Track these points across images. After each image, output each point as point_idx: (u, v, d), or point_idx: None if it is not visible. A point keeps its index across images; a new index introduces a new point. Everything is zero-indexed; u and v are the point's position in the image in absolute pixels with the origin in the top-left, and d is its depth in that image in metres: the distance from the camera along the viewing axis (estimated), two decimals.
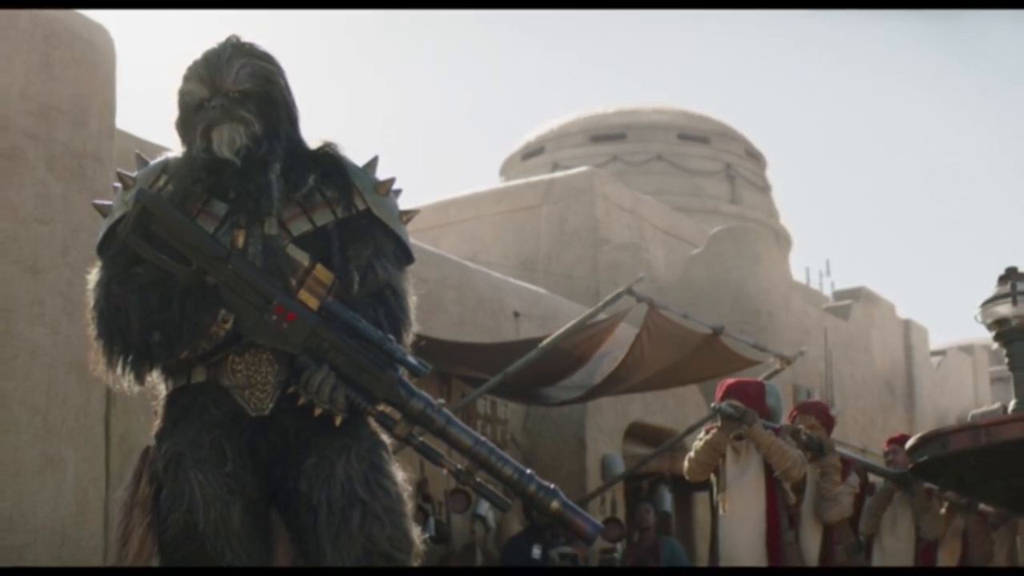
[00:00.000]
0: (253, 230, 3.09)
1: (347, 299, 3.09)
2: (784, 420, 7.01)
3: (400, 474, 3.15)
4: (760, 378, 7.97)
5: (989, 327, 7.13)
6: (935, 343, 20.97)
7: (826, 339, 16.29)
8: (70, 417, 7.10)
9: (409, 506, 3.14)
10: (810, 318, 16.42)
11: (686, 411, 12.43)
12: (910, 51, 75.08)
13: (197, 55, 3.18)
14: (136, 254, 3.05)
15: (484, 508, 9.90)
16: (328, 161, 3.22)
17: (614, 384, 10.35)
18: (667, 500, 12.03)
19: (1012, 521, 9.02)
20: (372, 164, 3.29)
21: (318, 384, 2.98)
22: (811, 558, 6.80)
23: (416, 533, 3.12)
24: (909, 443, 7.08)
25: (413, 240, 3.38)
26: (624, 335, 10.11)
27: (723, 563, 6.52)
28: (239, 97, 3.13)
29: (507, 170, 22.14)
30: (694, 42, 73.84)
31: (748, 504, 6.51)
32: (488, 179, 23.19)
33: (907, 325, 19.53)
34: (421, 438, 3.05)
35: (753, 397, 6.61)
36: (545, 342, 9.28)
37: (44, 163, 7.17)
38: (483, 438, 3.05)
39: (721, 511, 6.57)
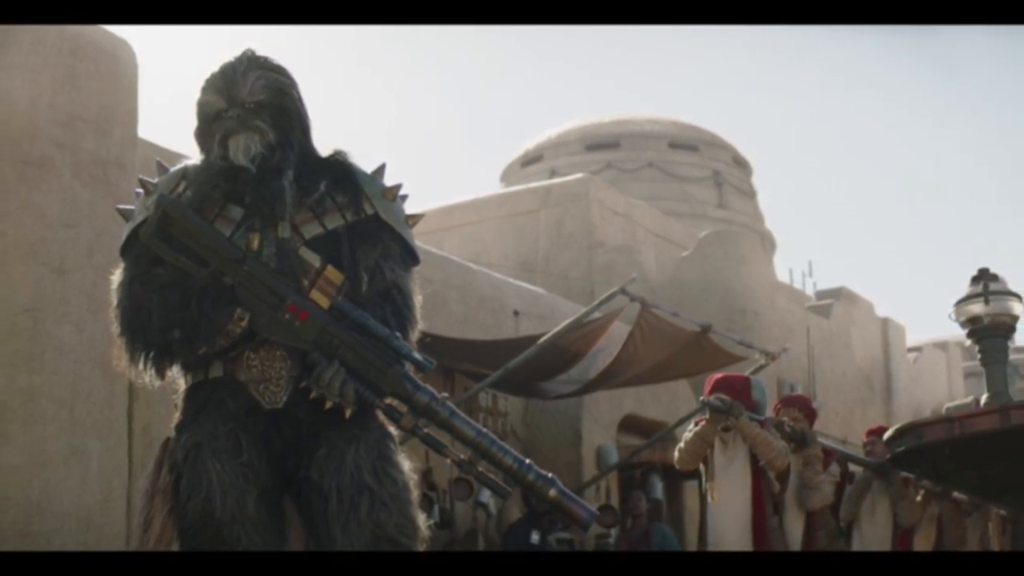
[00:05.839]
0: (267, 233, 3.09)
1: (356, 299, 3.09)
2: (769, 413, 7.01)
3: (406, 464, 3.15)
4: (746, 373, 7.97)
5: (963, 325, 7.15)
6: (911, 340, 20.97)
7: (808, 336, 16.28)
8: (95, 410, 7.10)
9: (415, 494, 3.13)
10: (793, 316, 16.41)
11: (677, 404, 12.42)
12: (888, 63, 75.09)
13: (215, 68, 3.18)
14: (157, 256, 3.05)
15: (486, 496, 9.89)
16: (338, 168, 3.22)
17: (609, 379, 10.34)
18: (658, 488, 12.02)
19: (984, 508, 9.04)
20: (380, 171, 3.29)
21: (329, 379, 2.98)
22: (794, 543, 6.80)
23: (421, 520, 3.12)
24: (887, 434, 7.09)
25: (418, 243, 3.38)
26: (618, 332, 10.10)
27: (711, 548, 6.52)
28: (254, 108, 3.13)
29: (507, 177, 22.11)
30: (685, 56, 73.83)
31: (735, 492, 6.50)
32: (489, 185, 23.12)
33: (885, 323, 19.52)
34: (426, 430, 3.05)
35: (739, 391, 6.61)
36: (543, 339, 9.28)
37: (70, 170, 7.17)
38: (485, 430, 3.04)
39: (709, 499, 6.57)
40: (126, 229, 3.19)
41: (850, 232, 68.45)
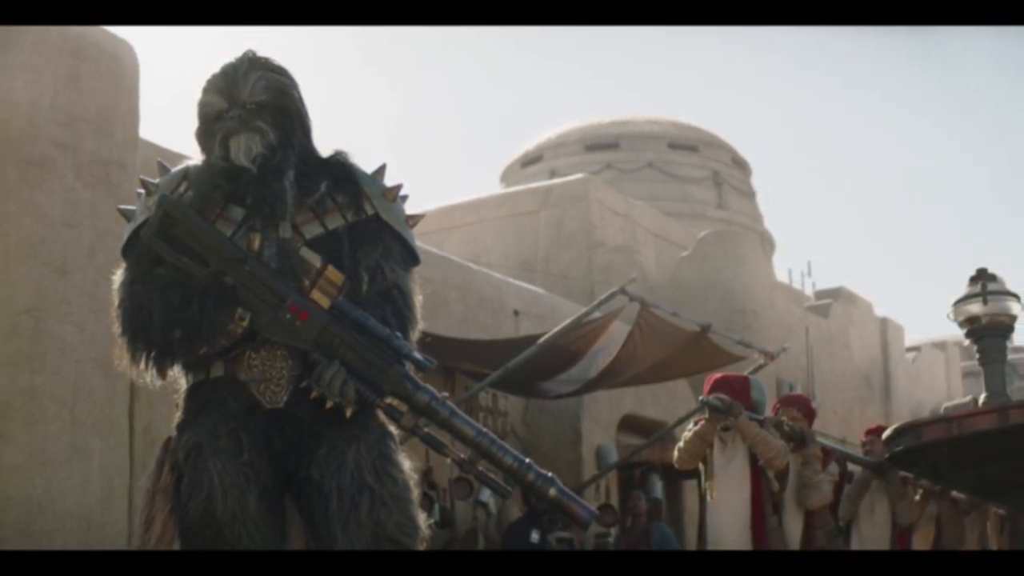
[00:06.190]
0: (268, 234, 3.09)
1: (356, 299, 3.09)
2: (768, 412, 7.01)
3: (406, 463, 3.15)
4: (745, 373, 7.97)
5: (961, 324, 7.14)
6: (910, 340, 20.97)
7: (808, 336, 16.29)
8: (96, 409, 7.10)
9: (415, 493, 3.13)
10: (793, 316, 16.41)
11: (676, 404, 12.42)
12: (887, 64, 75.09)
13: (216, 69, 3.18)
14: (158, 256, 3.05)
15: (486, 495, 9.88)
16: (339, 168, 3.23)
17: (608, 378, 10.34)
18: (658, 488, 12.02)
19: (983, 507, 9.04)
20: (380, 171, 3.29)
21: (329, 378, 2.98)
22: (793, 542, 6.79)
23: (422, 519, 3.12)
24: (886, 434, 7.09)
25: (419, 243, 3.38)
26: (618, 332, 10.10)
27: (710, 547, 6.52)
28: (255, 108, 3.13)
29: (507, 177, 22.10)
30: (684, 56, 73.84)
31: (734, 491, 6.50)
32: (489, 185, 23.09)
33: (884, 323, 19.52)
34: (426, 429, 3.05)
35: (739, 391, 6.61)
36: (543, 339, 9.28)
37: (72, 171, 7.17)
38: (485, 429, 3.04)
39: (709, 498, 6.56)
40: (127, 229, 3.19)
41: (849, 232, 68.58)
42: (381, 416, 3.10)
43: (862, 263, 63.41)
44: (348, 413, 3.02)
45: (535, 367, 9.63)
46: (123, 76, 7.60)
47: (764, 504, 6.52)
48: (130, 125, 7.60)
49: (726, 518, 6.50)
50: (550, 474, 3.02)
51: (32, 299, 6.88)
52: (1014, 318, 7.22)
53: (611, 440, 12.06)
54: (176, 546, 3.05)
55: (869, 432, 8.41)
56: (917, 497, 8.16)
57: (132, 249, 3.16)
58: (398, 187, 3.27)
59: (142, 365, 3.11)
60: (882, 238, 68.59)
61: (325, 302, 3.04)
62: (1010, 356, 7.78)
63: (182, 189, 3.15)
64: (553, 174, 19.68)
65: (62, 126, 7.14)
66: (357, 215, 3.19)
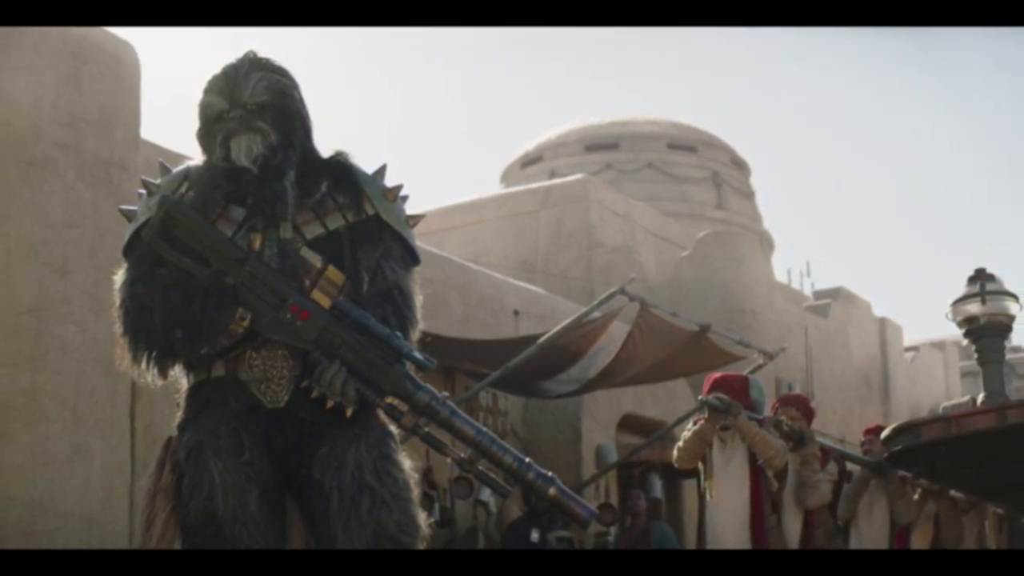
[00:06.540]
0: (269, 234, 3.09)
1: (357, 298, 3.09)
2: (767, 412, 7.01)
3: (407, 462, 3.15)
4: (744, 373, 7.97)
5: (959, 324, 7.15)
6: (909, 339, 20.96)
7: (807, 336, 16.28)
8: (97, 409, 7.10)
9: (415, 492, 3.13)
10: (792, 316, 16.41)
11: (675, 403, 12.41)
12: (886, 65, 75.08)
13: (216, 69, 3.18)
14: (160, 256, 3.05)
15: (486, 494, 9.88)
16: (339, 169, 3.23)
17: (608, 378, 10.34)
18: (657, 487, 12.01)
19: (981, 507, 9.04)
20: (381, 172, 3.29)
21: (330, 378, 2.98)
22: (792, 542, 6.79)
23: (422, 518, 3.12)
24: (884, 433, 7.09)
25: (419, 243, 3.38)
26: (617, 332, 10.10)
27: (710, 546, 6.52)
28: (256, 109, 3.13)
29: (507, 177, 22.09)
30: (683, 57, 73.83)
31: (733, 491, 6.50)
32: (489, 186, 23.09)
33: (882, 323, 19.52)
34: (427, 429, 3.05)
35: (738, 390, 6.61)
36: (543, 339, 9.27)
37: (73, 171, 7.17)
38: (485, 429, 3.04)
39: (708, 497, 6.56)
40: (129, 229, 3.19)
41: (848, 232, 68.61)
42: (382, 416, 3.10)
43: (861, 263, 63.49)
44: (348, 413, 3.02)
45: (535, 367, 9.63)
46: (124, 77, 7.60)
47: (763, 503, 6.52)
48: (131, 126, 7.60)
49: (725, 517, 6.50)
50: (550, 473, 3.02)
51: (33, 299, 6.88)
52: (1012, 318, 7.22)
53: (611, 440, 12.06)
54: (177, 545, 3.05)
55: (868, 431, 8.41)
56: (916, 496, 8.16)
57: (133, 249, 3.16)
58: (398, 187, 3.27)
59: (143, 365, 3.12)
60: (881, 238, 68.65)
61: (326, 302, 3.04)
62: (1008, 356, 7.79)
63: (183, 189, 3.15)
64: (553, 174, 19.68)
65: (63, 127, 7.14)
66: (358, 215, 3.19)
